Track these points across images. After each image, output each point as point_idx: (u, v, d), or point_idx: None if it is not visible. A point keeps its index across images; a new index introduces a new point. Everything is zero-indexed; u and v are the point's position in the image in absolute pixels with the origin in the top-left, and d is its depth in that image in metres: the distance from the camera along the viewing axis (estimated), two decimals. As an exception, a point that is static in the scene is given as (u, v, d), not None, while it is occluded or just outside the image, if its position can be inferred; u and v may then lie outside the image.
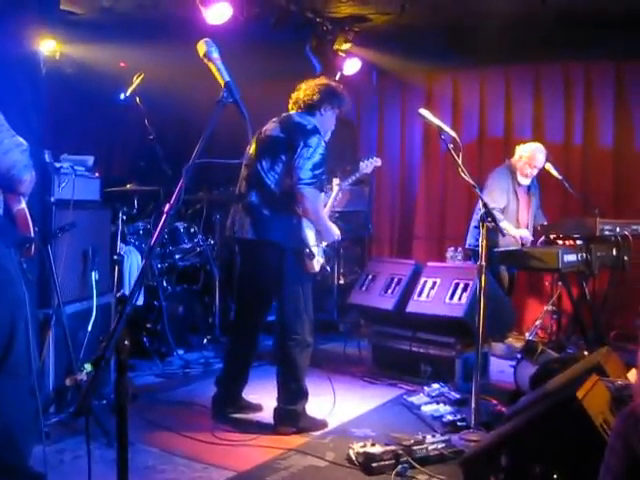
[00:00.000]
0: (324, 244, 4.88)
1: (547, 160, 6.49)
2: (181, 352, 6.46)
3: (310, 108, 4.64)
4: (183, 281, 7.03)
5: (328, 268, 5.31)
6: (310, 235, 4.59)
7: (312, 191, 4.43)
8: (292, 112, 4.69)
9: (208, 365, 6.21)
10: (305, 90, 4.69)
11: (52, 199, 4.48)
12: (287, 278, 4.51)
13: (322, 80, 4.78)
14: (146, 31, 5.94)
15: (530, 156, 6.46)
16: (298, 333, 4.52)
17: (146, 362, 6.05)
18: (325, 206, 5.35)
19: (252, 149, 4.57)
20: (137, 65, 5.94)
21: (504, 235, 5.38)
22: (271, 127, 4.62)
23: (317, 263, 4.66)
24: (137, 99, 5.73)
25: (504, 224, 6.08)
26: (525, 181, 6.57)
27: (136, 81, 5.60)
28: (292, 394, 4.55)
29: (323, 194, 4.91)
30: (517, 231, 6.40)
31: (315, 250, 4.58)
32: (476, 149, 8.04)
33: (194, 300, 7.03)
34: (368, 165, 6.16)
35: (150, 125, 5.98)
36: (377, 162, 6.19)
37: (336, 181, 5.86)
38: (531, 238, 6.47)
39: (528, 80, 7.91)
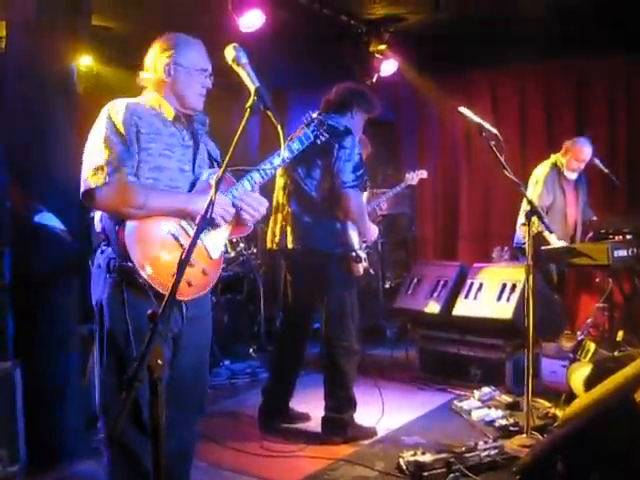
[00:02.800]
0: (365, 245, 4.84)
1: (594, 154, 6.34)
2: (227, 362, 6.45)
3: (341, 110, 4.59)
4: (227, 291, 7.01)
5: (372, 271, 5.25)
6: (355, 238, 4.54)
7: (357, 192, 4.40)
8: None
9: (255, 375, 6.19)
10: (335, 92, 4.65)
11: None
12: (333, 285, 4.47)
13: (352, 83, 4.72)
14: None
15: (577, 149, 6.32)
16: (345, 340, 4.47)
17: (192, 374, 6.02)
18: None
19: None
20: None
21: (551, 231, 5.25)
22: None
23: (362, 266, 4.61)
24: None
25: (546, 234, 5.92)
26: (572, 175, 6.43)
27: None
28: (340, 403, 4.49)
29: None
30: (559, 242, 6.21)
31: (361, 253, 4.53)
32: (518, 146, 7.88)
33: (239, 310, 7.01)
34: (414, 177, 6.16)
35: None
36: (423, 174, 6.17)
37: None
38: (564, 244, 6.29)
39: (569, 75, 7.75)
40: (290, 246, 4.49)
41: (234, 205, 2.92)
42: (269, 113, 2.35)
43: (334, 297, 4.48)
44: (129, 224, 2.69)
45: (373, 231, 4.73)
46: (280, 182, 4.67)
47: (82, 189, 2.73)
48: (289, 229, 4.51)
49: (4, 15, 4.46)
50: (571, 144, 6.39)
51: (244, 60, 2.44)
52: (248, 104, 2.32)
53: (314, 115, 3.65)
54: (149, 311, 1.78)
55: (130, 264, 2.66)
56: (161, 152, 2.83)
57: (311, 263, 4.49)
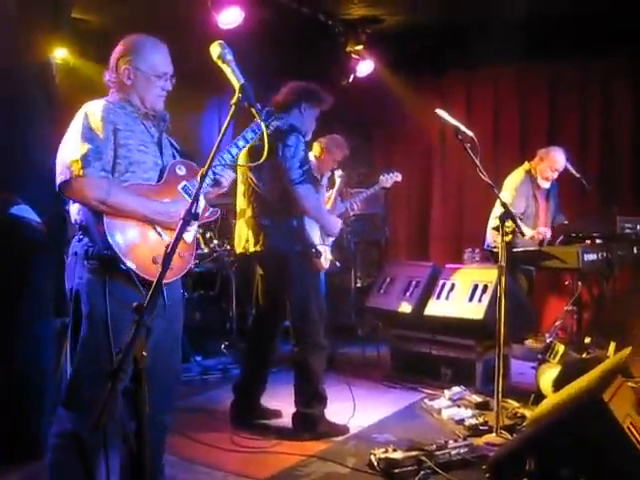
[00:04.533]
0: (330, 240, 4.88)
1: (567, 160, 6.40)
2: (198, 358, 6.44)
3: (288, 108, 4.60)
4: (199, 287, 7.01)
5: (338, 263, 5.28)
6: (315, 233, 4.59)
7: (307, 187, 4.43)
8: None
9: (226, 371, 6.19)
10: (283, 92, 4.68)
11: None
12: (296, 282, 4.51)
13: (298, 82, 4.73)
14: (157, 36, 5.93)
15: (551, 158, 6.36)
16: (311, 336, 4.51)
17: (164, 369, 6.01)
18: (328, 200, 5.35)
19: (242, 164, 4.53)
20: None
21: (523, 235, 5.32)
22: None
23: (326, 260, 4.65)
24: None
25: (522, 227, 6.03)
26: (545, 184, 6.48)
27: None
28: (308, 398, 4.52)
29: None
30: (534, 231, 6.31)
31: (322, 248, 4.56)
32: (491, 149, 7.96)
33: (211, 306, 7.02)
34: (388, 180, 6.19)
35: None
36: (397, 177, 6.21)
37: (338, 172, 5.86)
38: (549, 232, 6.38)
39: (543, 77, 7.84)
40: (252, 249, 4.55)
41: (212, 179, 3.26)
42: (253, 110, 2.38)
43: (298, 294, 4.53)
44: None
45: (335, 224, 4.80)
46: (240, 189, 4.70)
47: (58, 181, 2.84)
48: (250, 233, 4.56)
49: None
50: (545, 153, 6.42)
51: (229, 57, 2.46)
52: (233, 100, 2.34)
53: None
54: (134, 303, 1.80)
55: (111, 252, 2.77)
56: (138, 147, 2.97)
57: (273, 263, 4.55)
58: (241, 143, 3.25)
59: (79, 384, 2.90)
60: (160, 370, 2.93)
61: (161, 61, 3.08)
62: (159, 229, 2.96)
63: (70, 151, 2.83)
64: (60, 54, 6.13)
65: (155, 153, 3.07)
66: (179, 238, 2.07)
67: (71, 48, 6.36)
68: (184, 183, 3.10)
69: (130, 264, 2.79)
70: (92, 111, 2.90)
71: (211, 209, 3.33)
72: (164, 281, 2.81)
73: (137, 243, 2.87)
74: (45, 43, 4.20)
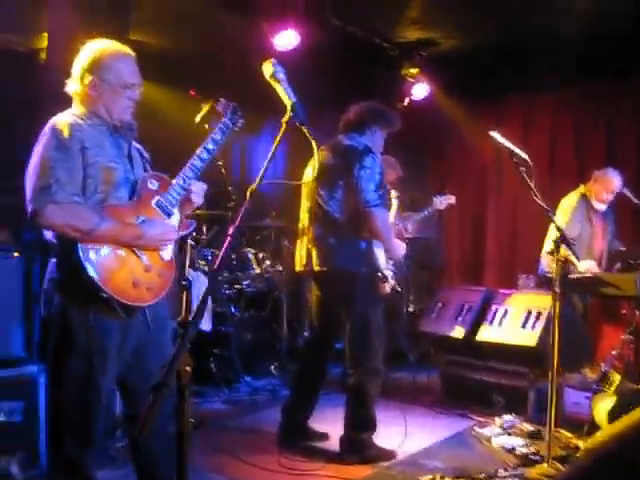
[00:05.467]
0: (391, 262, 4.83)
1: (624, 185, 6.28)
2: (248, 379, 6.45)
3: (360, 128, 4.60)
4: (251, 307, 7.02)
5: (399, 288, 5.23)
6: (381, 257, 4.54)
7: (381, 211, 4.39)
8: (341, 136, 4.64)
9: (275, 392, 6.17)
10: (354, 111, 4.66)
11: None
12: (358, 304, 4.45)
13: (370, 102, 4.72)
14: (214, 59, 6.04)
15: (606, 180, 6.25)
16: (369, 359, 4.45)
17: (213, 388, 6.05)
18: None
19: (310, 180, 4.52)
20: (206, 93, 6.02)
21: (578, 259, 5.21)
22: (323, 155, 4.51)
23: (388, 285, 4.60)
24: (206, 126, 5.78)
25: (571, 258, 5.93)
26: (601, 206, 6.37)
27: (205, 108, 5.66)
28: (359, 423, 4.47)
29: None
30: (582, 264, 6.16)
31: (387, 272, 4.52)
32: (548, 174, 7.85)
33: (262, 326, 7.02)
34: (442, 202, 6.12)
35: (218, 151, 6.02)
36: (451, 200, 6.14)
37: (394, 193, 5.82)
38: (597, 269, 6.24)
39: (600, 101, 7.72)
40: (316, 268, 4.50)
41: (185, 189, 3.05)
42: (304, 129, 2.37)
43: (359, 316, 4.47)
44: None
45: (400, 248, 4.71)
46: (304, 205, 4.69)
47: (29, 209, 2.72)
48: (314, 251, 4.51)
49: (45, 26, 4.54)
50: (600, 174, 6.32)
51: (281, 75, 2.45)
52: (284, 119, 2.34)
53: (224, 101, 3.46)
54: (179, 318, 1.79)
55: (89, 280, 2.68)
56: (107, 165, 2.86)
57: (337, 283, 4.48)
58: (211, 146, 3.12)
59: (65, 415, 2.86)
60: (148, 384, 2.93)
61: (127, 71, 2.96)
62: (138, 252, 2.86)
63: (39, 175, 2.72)
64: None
65: (126, 167, 2.95)
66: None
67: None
68: (157, 198, 2.98)
69: (110, 292, 2.71)
70: (59, 130, 2.78)
71: (188, 221, 3.20)
72: (146, 304, 2.87)
73: (116, 269, 2.78)
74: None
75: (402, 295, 7.67)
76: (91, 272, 2.68)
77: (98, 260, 2.72)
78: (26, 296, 4.08)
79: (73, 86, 2.97)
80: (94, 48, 2.96)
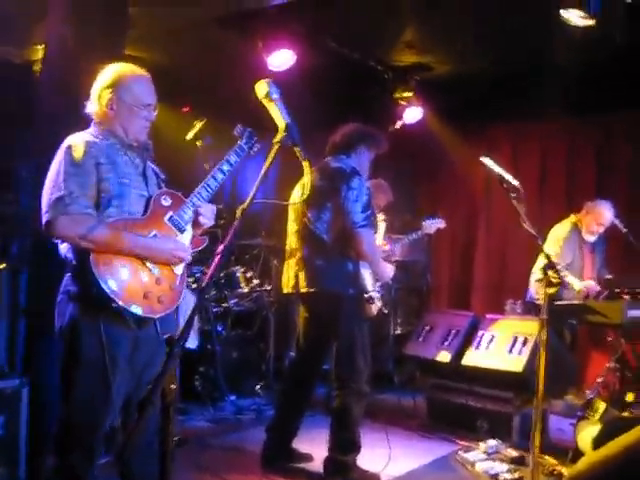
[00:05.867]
0: (379, 284, 4.83)
1: (615, 216, 6.32)
2: (233, 397, 6.42)
3: (346, 150, 4.63)
4: (238, 326, 7.01)
5: (385, 310, 5.23)
6: (368, 278, 4.55)
7: (368, 232, 4.40)
8: (328, 158, 4.67)
9: (260, 412, 6.16)
10: (341, 133, 4.69)
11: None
12: (345, 325, 4.45)
13: (356, 124, 4.75)
14: (208, 77, 6.07)
15: (597, 212, 6.31)
16: (354, 381, 4.44)
17: (198, 406, 6.03)
18: None
19: (298, 201, 4.53)
20: (200, 110, 6.03)
21: (567, 287, 5.24)
22: (311, 177, 4.53)
23: (375, 307, 4.60)
24: (197, 143, 5.80)
25: (569, 278, 6.01)
26: (591, 238, 6.42)
27: (198, 125, 5.68)
28: (343, 444, 4.45)
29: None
30: (582, 283, 6.23)
31: (374, 294, 4.52)
32: (537, 201, 7.88)
33: (248, 346, 7.00)
34: (432, 226, 6.11)
35: (210, 169, 6.02)
36: (441, 224, 6.13)
37: (381, 216, 5.83)
38: (597, 287, 6.29)
39: (590, 132, 7.77)
40: (303, 290, 4.50)
41: (195, 211, 3.11)
42: (296, 149, 2.38)
43: (346, 338, 4.46)
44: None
45: (387, 271, 4.73)
46: (292, 227, 4.70)
47: (43, 220, 2.83)
48: (301, 273, 4.52)
49: (41, 39, 4.55)
50: (592, 206, 6.37)
51: (275, 95, 2.45)
52: (277, 139, 2.34)
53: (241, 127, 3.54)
54: (166, 335, 1.79)
55: (101, 291, 2.75)
56: (120, 180, 2.95)
57: (324, 304, 4.49)
58: (226, 167, 3.17)
59: (74, 425, 2.89)
60: None
61: (144, 92, 3.08)
62: (149, 264, 2.93)
63: (54, 188, 2.82)
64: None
65: (139, 185, 3.04)
66: (213, 275, 2.04)
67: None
68: (170, 214, 3.06)
69: (122, 304, 2.78)
70: (75, 146, 2.89)
71: (201, 238, 3.28)
72: (157, 316, 2.91)
73: (128, 281, 2.84)
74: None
75: (389, 317, 7.66)
76: (102, 283, 2.75)
77: (109, 271, 2.80)
78: (11, 309, 4.06)
79: (91, 106, 3.08)
80: (112, 69, 3.08)
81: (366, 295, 4.46)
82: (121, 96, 3.01)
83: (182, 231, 3.09)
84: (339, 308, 4.41)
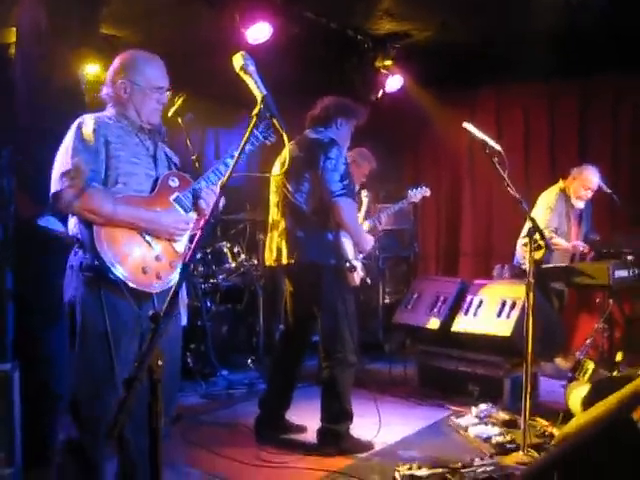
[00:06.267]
0: (361, 255, 4.85)
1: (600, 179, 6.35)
2: (225, 373, 6.44)
3: (325, 122, 4.64)
4: (227, 301, 7.01)
5: (369, 280, 5.24)
6: (349, 248, 4.55)
7: (347, 200, 4.40)
8: (307, 130, 4.68)
9: (252, 386, 6.18)
10: (320, 106, 4.70)
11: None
12: (328, 296, 4.46)
13: (334, 97, 4.75)
14: (186, 53, 6.00)
15: (584, 177, 6.33)
16: (339, 351, 4.46)
17: (190, 383, 6.04)
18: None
19: (278, 173, 4.53)
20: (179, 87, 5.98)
21: (552, 251, 5.26)
22: (290, 149, 4.51)
23: (357, 276, 4.61)
24: (179, 119, 5.77)
25: (557, 240, 6.04)
26: (580, 204, 6.46)
27: (178, 102, 5.64)
28: (335, 414, 4.49)
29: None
30: (569, 244, 6.27)
31: (355, 263, 4.53)
32: (522, 165, 7.90)
33: (238, 320, 7.01)
34: (417, 194, 6.11)
35: (192, 145, 6.00)
36: (426, 192, 6.13)
37: (364, 192, 5.83)
38: (585, 245, 6.33)
39: (573, 93, 7.77)
40: (285, 261, 4.51)
41: (196, 195, 3.15)
42: (274, 120, 2.37)
43: (329, 308, 4.48)
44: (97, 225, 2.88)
45: (368, 241, 4.74)
46: (273, 199, 4.70)
47: (51, 192, 2.91)
48: (284, 244, 4.52)
49: (14, 21, 4.50)
50: (578, 172, 6.39)
51: (252, 68, 2.44)
52: (255, 111, 2.33)
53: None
54: (150, 312, 1.80)
55: (101, 262, 2.82)
56: (129, 159, 3.03)
57: (306, 276, 4.50)
58: (247, 147, 3.20)
59: (79, 400, 2.95)
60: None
61: (157, 75, 3.15)
62: (149, 238, 3.00)
63: (62, 163, 2.91)
64: (93, 70, 6.20)
65: (148, 165, 3.11)
66: (197, 248, 2.04)
67: (103, 64, 6.42)
68: (176, 194, 3.13)
69: (119, 273, 2.84)
70: (84, 124, 2.98)
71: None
72: (154, 291, 2.97)
73: (127, 253, 2.92)
74: (74, 57, 4.25)
75: (378, 287, 7.69)
76: (102, 253, 2.83)
77: (110, 243, 2.88)
78: (-1, 295, 4.05)
79: (105, 89, 3.16)
80: (126, 54, 3.16)
81: (347, 264, 4.46)
82: (134, 79, 3.09)
83: (187, 211, 3.14)
84: (321, 279, 4.43)
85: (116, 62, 3.14)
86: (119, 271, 2.84)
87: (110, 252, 2.85)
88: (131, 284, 2.87)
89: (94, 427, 2.91)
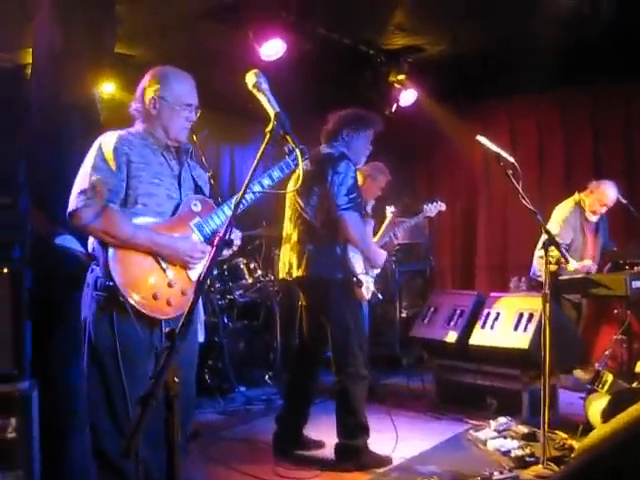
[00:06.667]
0: (375, 271, 4.84)
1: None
2: (242, 389, 6.44)
3: (334, 136, 4.65)
4: (244, 317, 7.01)
5: (380, 296, 5.22)
6: (357, 262, 4.55)
7: (353, 214, 4.40)
8: (321, 146, 4.70)
9: (270, 402, 6.17)
10: (331, 121, 4.72)
11: None
12: (335, 310, 4.48)
13: (346, 110, 4.75)
14: (200, 70, 6.04)
15: (601, 192, 6.30)
16: (351, 365, 4.45)
17: (207, 399, 6.05)
18: (375, 235, 5.32)
19: (291, 189, 4.55)
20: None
21: (568, 262, 5.24)
22: (283, 161, 4.55)
23: (367, 291, 4.61)
24: (194, 136, 5.78)
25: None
26: (594, 218, 6.42)
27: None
28: (350, 429, 4.48)
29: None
30: (579, 263, 6.22)
31: (363, 278, 4.52)
32: (536, 177, 7.89)
33: (255, 336, 7.01)
34: (432, 209, 6.08)
35: (206, 161, 6.02)
36: (441, 207, 6.11)
37: (390, 209, 5.81)
38: (595, 267, 6.29)
39: (585, 104, 7.76)
40: (296, 274, 4.53)
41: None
42: (289, 138, 2.38)
43: (338, 322, 4.49)
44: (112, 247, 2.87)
45: (380, 255, 4.73)
46: (287, 214, 4.74)
47: (68, 211, 2.91)
48: (294, 258, 4.55)
49: (30, 42, 4.54)
50: (596, 186, 6.36)
51: (264, 86, 2.46)
52: (268, 128, 2.34)
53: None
54: (167, 329, 1.81)
55: (113, 284, 2.81)
56: (150, 180, 3.00)
57: (316, 289, 4.53)
58: (276, 174, 3.20)
59: (90, 409, 2.98)
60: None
61: (187, 92, 3.13)
62: (164, 264, 2.97)
63: (80, 181, 2.91)
64: (108, 89, 6.26)
65: (171, 187, 3.08)
66: (211, 267, 2.05)
67: (118, 83, 6.49)
68: (197, 220, 3.10)
69: (129, 297, 2.82)
70: (106, 142, 2.96)
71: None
72: (165, 317, 2.92)
73: (139, 277, 2.89)
74: (89, 77, 4.29)
75: (394, 301, 7.67)
76: (114, 275, 2.81)
77: (123, 265, 2.86)
78: (16, 312, 4.07)
79: (134, 105, 3.15)
80: (156, 70, 3.16)
81: (354, 278, 4.47)
82: (163, 95, 3.07)
83: (205, 238, 3.11)
84: (329, 292, 4.45)
85: (146, 77, 3.14)
86: (130, 295, 2.82)
87: (121, 273, 2.84)
88: (141, 309, 2.85)
89: (117, 446, 2.88)
